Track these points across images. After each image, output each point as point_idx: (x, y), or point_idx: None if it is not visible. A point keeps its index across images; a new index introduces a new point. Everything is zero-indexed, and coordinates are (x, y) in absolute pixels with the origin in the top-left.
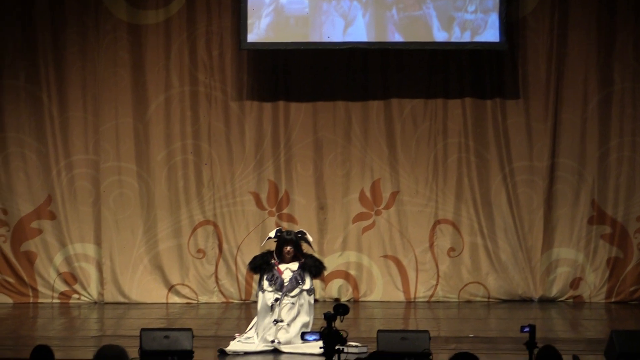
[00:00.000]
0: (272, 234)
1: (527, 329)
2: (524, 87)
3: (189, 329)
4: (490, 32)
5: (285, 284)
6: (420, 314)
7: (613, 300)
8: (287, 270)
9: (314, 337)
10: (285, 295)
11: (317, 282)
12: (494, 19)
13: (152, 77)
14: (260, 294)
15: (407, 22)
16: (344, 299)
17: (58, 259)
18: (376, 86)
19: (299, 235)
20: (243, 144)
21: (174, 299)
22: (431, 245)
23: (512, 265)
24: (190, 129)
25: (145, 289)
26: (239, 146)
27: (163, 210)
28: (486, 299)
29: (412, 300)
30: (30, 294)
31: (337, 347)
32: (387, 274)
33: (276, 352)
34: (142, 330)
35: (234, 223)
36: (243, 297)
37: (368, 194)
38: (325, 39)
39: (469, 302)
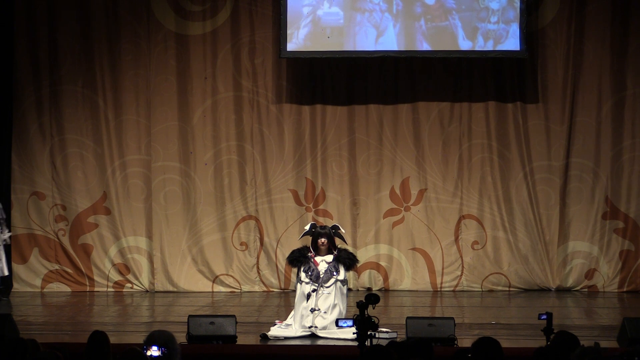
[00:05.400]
0: (307, 227)
1: (544, 317)
2: (543, 92)
3: (233, 316)
4: (511, 41)
5: (321, 276)
6: (446, 302)
7: (625, 289)
8: (323, 262)
9: (347, 323)
10: (321, 286)
11: (350, 273)
12: (514, 29)
13: (199, 83)
14: (298, 284)
15: (435, 32)
16: (375, 288)
17: (112, 251)
18: (406, 91)
19: (333, 229)
20: (283, 145)
21: (219, 288)
22: (456, 239)
23: (532, 257)
24: (234, 131)
25: (192, 278)
26: (279, 147)
27: (209, 206)
28: (507, 289)
29: (439, 289)
30: (87, 283)
31: (369, 333)
32: (415, 265)
33: (313, 336)
34: (190, 316)
35: (274, 218)
36: (282, 287)
37: (398, 191)
38: (358, 48)
39: (491, 291)
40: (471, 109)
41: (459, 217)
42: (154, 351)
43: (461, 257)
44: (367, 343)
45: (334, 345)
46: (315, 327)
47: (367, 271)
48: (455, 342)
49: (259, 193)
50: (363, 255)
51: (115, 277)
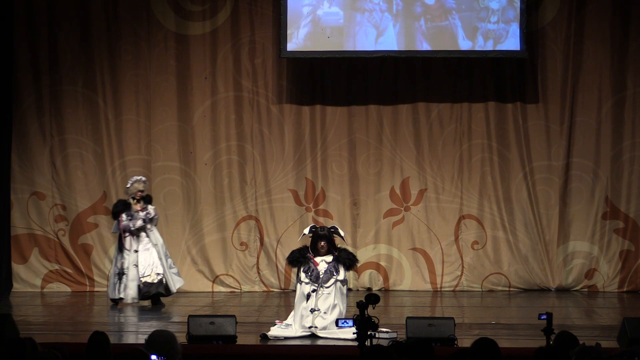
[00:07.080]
0: (306, 230)
1: (544, 317)
2: (543, 92)
3: (233, 316)
4: (511, 41)
5: (321, 276)
6: (446, 302)
7: (625, 289)
8: (323, 262)
9: (347, 323)
10: (321, 286)
11: (351, 273)
12: (514, 29)
13: (199, 83)
14: (298, 285)
15: (435, 32)
16: (375, 289)
17: (113, 251)
18: (405, 91)
19: (332, 230)
20: (283, 145)
21: (219, 288)
22: (456, 239)
23: (532, 257)
24: (234, 131)
25: (192, 278)
26: (279, 147)
27: (209, 206)
28: (507, 289)
29: (439, 289)
30: (87, 283)
31: (369, 333)
32: (415, 265)
33: (313, 337)
34: (190, 316)
35: (274, 218)
36: (282, 287)
37: (398, 191)
38: (358, 48)
39: (491, 291)
40: (471, 109)
41: (459, 217)
42: None
43: (461, 257)
44: (367, 343)
45: (334, 345)
46: (315, 327)
47: (367, 271)
48: (455, 342)
49: (259, 193)
50: (363, 256)
51: None
